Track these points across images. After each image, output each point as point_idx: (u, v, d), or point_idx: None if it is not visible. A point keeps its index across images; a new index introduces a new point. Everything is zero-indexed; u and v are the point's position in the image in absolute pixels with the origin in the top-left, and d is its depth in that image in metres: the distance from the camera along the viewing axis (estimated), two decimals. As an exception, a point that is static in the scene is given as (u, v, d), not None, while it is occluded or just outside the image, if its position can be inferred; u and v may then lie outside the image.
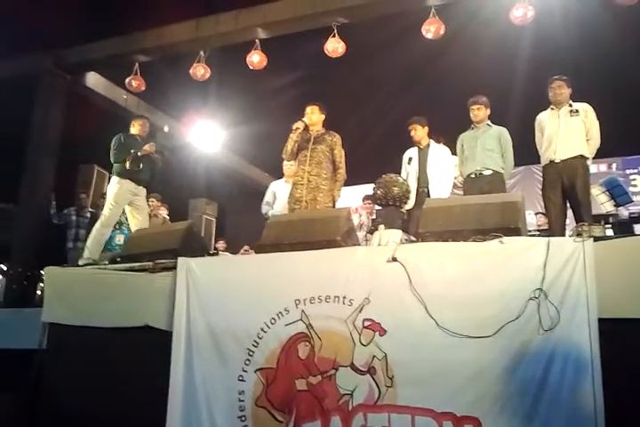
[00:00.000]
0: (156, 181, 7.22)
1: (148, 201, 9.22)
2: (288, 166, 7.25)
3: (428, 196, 6.20)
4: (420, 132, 6.65)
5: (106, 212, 6.71)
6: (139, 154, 6.75)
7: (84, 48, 9.65)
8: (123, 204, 6.76)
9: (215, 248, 10.03)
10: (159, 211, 9.74)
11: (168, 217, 9.99)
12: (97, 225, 6.74)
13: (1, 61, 9.44)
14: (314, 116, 6.26)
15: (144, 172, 6.88)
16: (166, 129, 7.62)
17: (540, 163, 6.23)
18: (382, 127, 10.15)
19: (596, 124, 5.85)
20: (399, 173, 6.47)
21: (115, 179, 6.78)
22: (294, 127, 6.14)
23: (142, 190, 6.96)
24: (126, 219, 7.21)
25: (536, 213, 9.47)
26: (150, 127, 7.40)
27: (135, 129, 7.10)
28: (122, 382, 4.79)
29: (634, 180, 11.93)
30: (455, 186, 6.72)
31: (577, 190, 5.62)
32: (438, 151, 6.64)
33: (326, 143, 6.15)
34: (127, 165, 6.67)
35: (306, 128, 6.22)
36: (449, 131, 6.99)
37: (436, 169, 6.50)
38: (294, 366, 4.26)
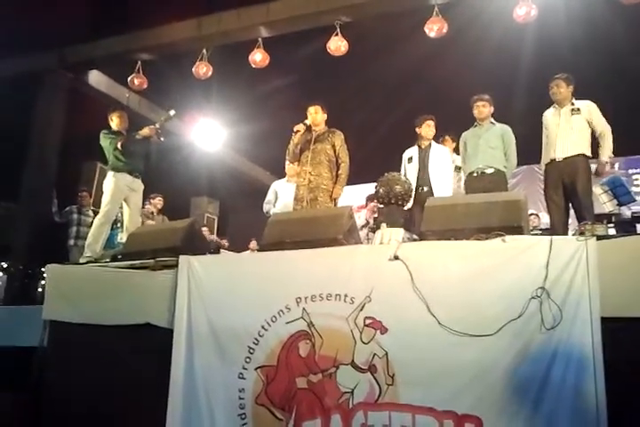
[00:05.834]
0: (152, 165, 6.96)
1: (155, 199, 9.17)
2: (290, 166, 7.25)
3: (431, 195, 6.19)
4: (432, 130, 6.65)
5: (104, 208, 6.62)
6: (137, 137, 6.62)
7: (86, 46, 9.67)
8: (120, 199, 6.63)
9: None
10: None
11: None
12: (96, 222, 6.68)
13: (4, 60, 9.46)
14: (318, 115, 6.22)
15: (136, 160, 6.72)
16: (172, 113, 6.90)
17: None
18: (384, 126, 10.14)
19: (603, 119, 5.74)
20: (400, 171, 6.47)
21: (110, 173, 6.66)
22: (295, 130, 6.10)
23: (140, 185, 6.80)
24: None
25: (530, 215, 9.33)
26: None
27: (114, 123, 6.86)
28: (122, 379, 4.78)
29: (636, 179, 11.88)
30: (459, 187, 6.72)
31: (578, 189, 5.54)
32: (439, 151, 6.66)
33: (327, 142, 6.11)
34: (119, 145, 6.50)
35: (308, 129, 6.17)
36: (452, 130, 6.99)
37: (437, 169, 6.50)
38: (295, 364, 4.25)
